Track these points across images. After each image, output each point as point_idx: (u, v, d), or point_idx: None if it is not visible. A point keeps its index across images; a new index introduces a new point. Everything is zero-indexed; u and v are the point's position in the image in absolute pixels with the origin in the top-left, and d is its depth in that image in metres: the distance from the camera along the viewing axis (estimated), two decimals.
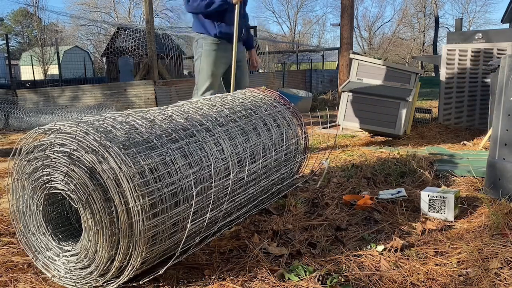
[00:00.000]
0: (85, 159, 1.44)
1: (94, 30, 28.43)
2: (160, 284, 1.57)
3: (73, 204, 1.49)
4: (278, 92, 2.52)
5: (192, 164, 1.66)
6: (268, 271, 1.63)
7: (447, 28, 37.85)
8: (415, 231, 2.00)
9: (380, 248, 1.81)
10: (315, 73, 14.41)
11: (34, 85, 12.03)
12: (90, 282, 1.55)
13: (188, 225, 1.58)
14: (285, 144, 2.29)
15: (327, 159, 3.42)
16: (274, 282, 1.55)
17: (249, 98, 2.34)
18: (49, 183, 1.54)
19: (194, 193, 1.60)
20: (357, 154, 3.75)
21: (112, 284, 1.51)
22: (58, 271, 1.62)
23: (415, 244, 1.84)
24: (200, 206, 1.68)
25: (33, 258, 1.69)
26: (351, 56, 5.39)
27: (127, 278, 1.48)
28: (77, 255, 1.56)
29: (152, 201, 1.46)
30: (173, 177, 1.56)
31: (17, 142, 1.64)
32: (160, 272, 1.50)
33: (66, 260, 1.60)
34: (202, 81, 3.42)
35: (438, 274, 1.58)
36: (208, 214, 1.69)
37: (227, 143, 1.86)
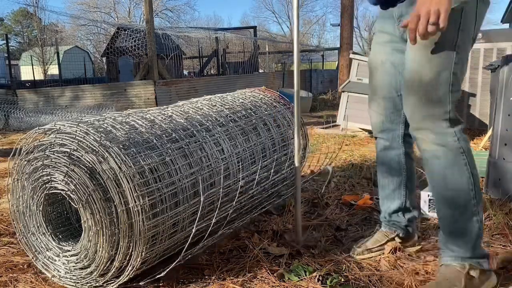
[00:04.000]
0: (85, 159, 1.44)
1: (94, 30, 28.42)
2: (160, 284, 1.57)
3: (73, 204, 1.49)
4: (278, 92, 2.52)
5: (192, 164, 1.66)
6: (268, 271, 1.63)
7: None
8: None
9: None
10: (315, 73, 14.41)
11: (34, 85, 12.03)
12: (90, 282, 1.55)
13: (193, 230, 1.58)
14: (285, 144, 2.29)
15: (330, 163, 3.41)
16: (274, 282, 1.55)
17: (249, 98, 2.34)
18: (49, 183, 1.54)
19: (202, 199, 1.60)
20: (357, 154, 3.75)
21: (112, 284, 1.51)
22: (58, 271, 1.62)
23: (415, 244, 1.84)
24: (200, 206, 1.68)
25: (33, 258, 1.69)
26: (351, 56, 5.40)
27: (127, 278, 1.48)
28: (77, 255, 1.56)
29: (152, 201, 1.46)
30: (173, 177, 1.56)
31: (17, 142, 1.64)
32: (161, 275, 1.50)
33: (66, 260, 1.60)
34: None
35: None
36: (213, 220, 1.69)
37: (227, 143, 1.86)
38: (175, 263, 1.51)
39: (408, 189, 1.78)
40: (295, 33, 1.79)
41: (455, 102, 1.40)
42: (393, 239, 1.77)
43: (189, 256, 1.58)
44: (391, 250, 1.73)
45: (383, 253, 1.74)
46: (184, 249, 1.52)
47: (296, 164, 1.84)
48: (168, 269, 1.50)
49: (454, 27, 1.32)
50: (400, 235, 1.77)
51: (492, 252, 1.66)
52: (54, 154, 1.49)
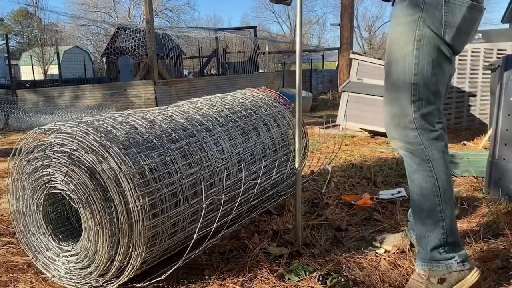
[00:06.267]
0: (85, 159, 1.44)
1: (94, 30, 28.39)
2: (160, 284, 1.57)
3: (73, 204, 1.49)
4: (278, 92, 2.52)
5: (192, 164, 1.66)
6: (268, 271, 1.63)
7: None
8: None
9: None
10: (315, 73, 14.41)
11: (34, 85, 12.03)
12: (90, 282, 1.55)
13: (195, 236, 1.58)
14: (285, 144, 2.29)
15: (329, 163, 3.41)
16: (274, 282, 1.55)
17: (249, 98, 2.34)
18: (49, 183, 1.54)
19: (204, 206, 1.60)
20: (357, 154, 3.75)
21: (112, 284, 1.51)
22: (58, 271, 1.62)
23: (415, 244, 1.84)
24: (200, 207, 1.68)
25: (33, 258, 1.69)
26: (351, 56, 5.40)
27: (127, 278, 1.48)
28: (77, 255, 1.56)
29: (152, 201, 1.46)
30: (173, 177, 1.56)
31: (17, 142, 1.64)
32: (161, 278, 1.49)
33: (66, 260, 1.60)
34: None
35: None
36: (214, 225, 1.69)
37: (227, 143, 1.86)
38: (174, 266, 1.51)
39: None
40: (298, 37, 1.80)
41: (426, 109, 1.43)
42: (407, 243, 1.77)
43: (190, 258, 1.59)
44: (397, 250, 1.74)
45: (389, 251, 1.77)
46: (185, 253, 1.52)
47: (297, 165, 1.84)
48: (168, 273, 1.50)
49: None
50: (412, 242, 1.75)
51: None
52: (54, 154, 1.49)
